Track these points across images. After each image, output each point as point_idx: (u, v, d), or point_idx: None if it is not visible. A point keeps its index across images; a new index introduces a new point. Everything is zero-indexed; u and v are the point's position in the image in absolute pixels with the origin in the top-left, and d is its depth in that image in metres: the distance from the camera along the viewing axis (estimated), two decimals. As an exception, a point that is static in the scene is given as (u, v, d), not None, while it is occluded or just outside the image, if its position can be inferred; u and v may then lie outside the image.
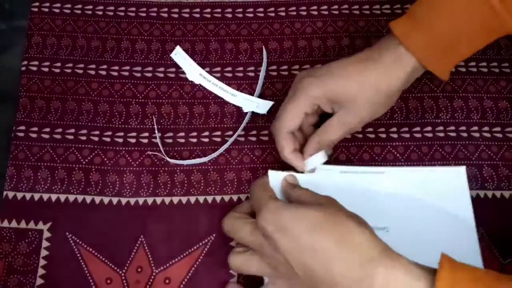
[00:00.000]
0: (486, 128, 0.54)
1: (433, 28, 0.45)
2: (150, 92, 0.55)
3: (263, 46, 0.57)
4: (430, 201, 0.48)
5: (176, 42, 0.57)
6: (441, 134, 0.54)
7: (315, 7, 0.59)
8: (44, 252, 0.48)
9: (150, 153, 0.52)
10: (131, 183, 0.51)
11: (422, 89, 0.55)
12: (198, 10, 0.58)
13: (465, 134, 0.54)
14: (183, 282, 0.48)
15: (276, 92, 0.55)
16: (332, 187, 0.50)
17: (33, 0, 0.58)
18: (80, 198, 0.50)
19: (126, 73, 0.55)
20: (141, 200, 0.50)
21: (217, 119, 0.54)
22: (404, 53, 0.45)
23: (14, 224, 0.49)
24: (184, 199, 0.51)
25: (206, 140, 0.53)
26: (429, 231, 0.48)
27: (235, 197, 0.51)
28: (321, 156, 0.48)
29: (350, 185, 0.50)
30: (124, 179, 0.51)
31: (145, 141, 0.53)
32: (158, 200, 0.51)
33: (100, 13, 0.58)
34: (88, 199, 0.50)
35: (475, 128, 0.54)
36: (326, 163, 0.49)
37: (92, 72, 0.55)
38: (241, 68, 0.56)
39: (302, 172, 0.48)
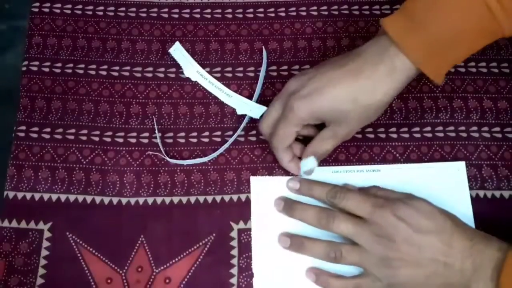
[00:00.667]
0: (485, 128, 0.54)
1: (430, 29, 0.44)
2: (151, 92, 0.55)
3: (263, 47, 0.57)
4: (429, 198, 0.48)
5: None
6: (441, 134, 0.54)
7: (315, 8, 0.59)
8: (44, 252, 0.49)
9: (151, 153, 0.52)
10: (132, 183, 0.51)
11: (422, 89, 0.56)
12: (198, 10, 0.58)
13: (464, 134, 0.54)
14: (183, 282, 0.48)
15: (276, 92, 0.55)
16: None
17: (34, 0, 0.58)
18: (80, 198, 0.50)
19: (127, 73, 0.55)
20: (141, 200, 0.51)
21: (217, 119, 0.54)
22: (399, 64, 0.44)
23: (14, 224, 0.49)
24: (184, 199, 0.51)
25: (206, 140, 0.53)
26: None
27: (235, 197, 0.51)
28: (312, 159, 0.49)
29: (346, 185, 0.51)
30: (124, 179, 0.51)
31: (146, 141, 0.53)
32: (159, 200, 0.51)
33: (101, 13, 0.58)
34: (89, 199, 0.50)
35: (475, 128, 0.54)
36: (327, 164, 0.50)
37: (93, 72, 0.55)
38: (241, 68, 0.56)
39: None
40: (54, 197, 0.50)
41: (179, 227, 0.50)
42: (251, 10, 0.59)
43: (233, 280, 0.48)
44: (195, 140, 0.53)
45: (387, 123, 0.54)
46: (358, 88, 0.45)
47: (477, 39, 0.45)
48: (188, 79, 0.55)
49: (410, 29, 0.44)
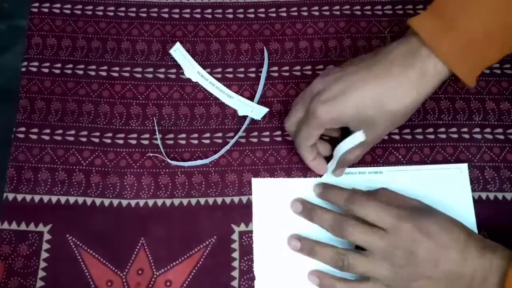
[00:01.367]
0: (488, 130, 0.54)
1: (464, 29, 0.41)
2: (151, 93, 0.54)
3: (264, 47, 0.57)
4: (431, 200, 0.48)
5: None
6: (443, 136, 0.53)
7: (316, 8, 0.59)
8: (44, 254, 0.48)
9: (151, 154, 0.52)
10: (132, 185, 0.51)
11: (424, 90, 0.55)
12: (199, 10, 0.58)
13: (467, 136, 0.53)
14: (184, 285, 0.48)
15: (277, 93, 0.55)
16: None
17: (33, 0, 0.58)
18: (80, 200, 0.50)
19: (127, 74, 0.55)
20: (141, 202, 0.50)
21: (218, 121, 0.54)
22: (431, 67, 0.42)
23: (14, 226, 0.49)
24: (185, 201, 0.51)
25: (207, 141, 0.53)
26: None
27: (236, 199, 0.51)
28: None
29: (347, 187, 0.50)
30: (124, 180, 0.51)
31: (146, 142, 0.52)
32: (159, 202, 0.50)
33: (101, 13, 0.57)
34: (89, 201, 0.50)
35: (477, 129, 0.54)
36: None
37: (93, 73, 0.55)
38: (242, 69, 0.56)
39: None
40: (54, 199, 0.50)
41: (180, 229, 0.49)
42: (252, 10, 0.58)
43: (234, 283, 0.48)
44: (196, 142, 0.53)
45: (389, 124, 0.54)
46: (385, 92, 0.43)
47: (510, 38, 0.43)
48: (188, 80, 0.55)
49: (442, 29, 0.42)
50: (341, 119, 0.45)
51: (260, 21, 0.58)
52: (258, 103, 0.54)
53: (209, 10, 0.58)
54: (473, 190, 0.51)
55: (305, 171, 0.52)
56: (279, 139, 0.53)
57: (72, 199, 0.50)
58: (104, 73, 0.55)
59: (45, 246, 0.48)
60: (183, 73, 0.55)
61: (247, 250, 0.49)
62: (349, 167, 0.51)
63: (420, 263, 0.43)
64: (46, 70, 0.55)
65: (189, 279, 0.48)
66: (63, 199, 0.50)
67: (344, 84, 0.45)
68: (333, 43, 0.57)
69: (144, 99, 0.54)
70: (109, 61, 0.55)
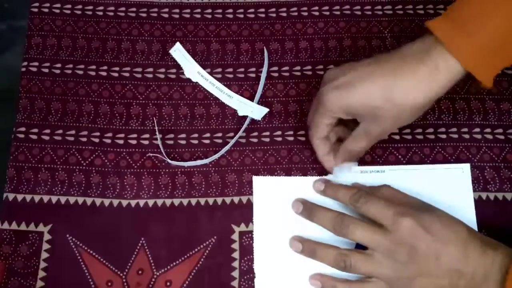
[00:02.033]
0: (488, 130, 0.54)
1: (481, 30, 0.41)
2: (151, 93, 0.54)
3: (264, 47, 0.57)
4: (432, 199, 0.48)
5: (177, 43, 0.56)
6: (443, 136, 0.53)
7: (316, 8, 0.59)
8: (44, 255, 0.48)
9: (151, 154, 0.52)
10: (132, 185, 0.51)
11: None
12: (199, 10, 0.58)
13: (467, 136, 0.53)
14: (184, 285, 0.48)
15: (278, 93, 0.55)
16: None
17: (33, 0, 0.58)
18: (80, 200, 0.50)
19: (127, 74, 0.55)
20: (141, 202, 0.50)
21: (218, 121, 0.54)
22: (442, 64, 0.42)
23: (14, 226, 0.49)
24: (185, 201, 0.51)
25: (207, 141, 0.53)
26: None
27: (236, 199, 0.51)
28: (347, 168, 0.49)
29: (355, 184, 0.50)
30: (124, 181, 0.51)
31: (146, 142, 0.52)
32: (159, 202, 0.50)
33: (101, 13, 0.57)
34: (89, 201, 0.50)
35: (477, 129, 0.54)
36: None
37: (93, 73, 0.55)
38: (242, 69, 0.56)
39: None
40: (54, 199, 0.50)
41: (180, 229, 0.49)
42: (252, 10, 0.58)
43: (235, 283, 0.48)
44: (196, 142, 0.53)
45: (389, 124, 0.54)
46: (394, 86, 0.43)
47: None
48: (188, 80, 0.55)
49: (458, 30, 0.41)
50: (349, 108, 0.45)
51: (260, 21, 0.58)
52: (258, 103, 0.54)
53: (209, 10, 0.58)
54: (473, 190, 0.51)
55: (305, 171, 0.52)
56: (279, 139, 0.53)
57: (72, 199, 0.50)
58: (104, 73, 0.55)
59: (45, 246, 0.49)
60: (183, 73, 0.55)
61: (247, 250, 0.49)
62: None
63: (421, 259, 0.43)
64: (46, 70, 0.55)
65: (189, 279, 0.48)
66: (63, 199, 0.50)
67: (355, 74, 0.45)
68: (333, 43, 0.57)
69: (144, 99, 0.54)
70: (109, 61, 0.55)
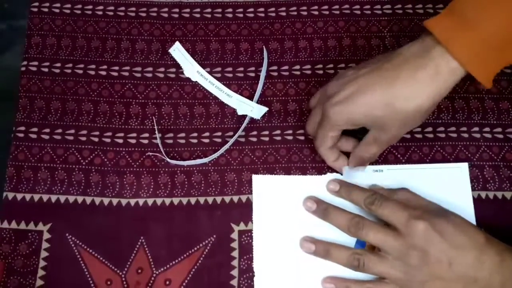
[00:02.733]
0: (487, 129, 0.54)
1: (482, 28, 0.40)
2: (150, 92, 0.54)
3: (264, 46, 0.57)
4: (431, 199, 0.48)
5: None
6: (442, 135, 0.53)
7: (316, 7, 0.59)
8: (44, 253, 0.48)
9: (151, 153, 0.52)
10: (131, 184, 0.51)
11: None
12: (198, 10, 0.58)
13: (466, 135, 0.53)
14: (183, 284, 0.48)
15: (277, 93, 0.55)
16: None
17: (33, 0, 0.58)
18: (80, 199, 0.50)
19: (126, 73, 0.55)
20: (141, 201, 0.50)
21: (217, 120, 0.54)
22: (444, 66, 0.41)
23: (14, 225, 0.49)
24: (184, 200, 0.51)
25: (207, 140, 0.53)
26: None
27: (235, 198, 0.51)
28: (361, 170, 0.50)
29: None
30: (124, 180, 0.51)
31: (146, 141, 0.53)
32: (159, 201, 0.50)
33: (100, 13, 0.57)
34: (88, 200, 0.50)
35: (476, 128, 0.54)
36: None
37: (92, 73, 0.55)
38: (241, 69, 0.56)
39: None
40: (54, 198, 0.50)
41: (179, 228, 0.49)
42: (252, 9, 0.58)
43: (234, 282, 0.48)
44: (195, 141, 0.53)
45: (388, 123, 0.54)
46: (394, 93, 0.43)
47: None
48: (188, 79, 0.55)
49: (458, 29, 0.41)
50: (353, 120, 0.46)
51: (259, 20, 0.58)
52: (257, 102, 0.54)
53: (209, 10, 0.58)
54: (472, 189, 0.51)
55: (304, 170, 0.52)
56: (278, 138, 0.53)
57: (71, 198, 0.50)
58: (103, 73, 0.55)
59: (45, 245, 0.49)
60: (182, 73, 0.55)
61: (246, 249, 0.49)
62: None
63: (433, 263, 0.43)
64: (45, 70, 0.55)
65: (188, 278, 0.48)
66: (62, 198, 0.50)
67: (355, 86, 0.45)
68: (333, 42, 0.57)
69: (144, 98, 0.54)
70: (108, 61, 0.55)
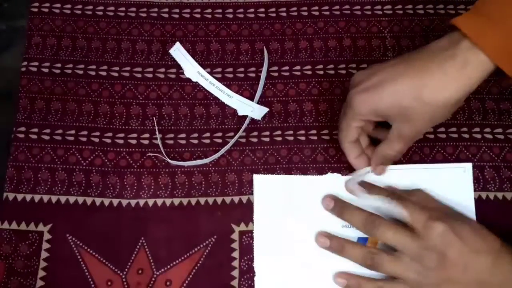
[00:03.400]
0: (487, 130, 0.54)
1: (509, 24, 0.40)
2: (151, 93, 0.54)
3: (264, 47, 0.57)
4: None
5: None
6: (443, 136, 0.53)
7: (316, 8, 0.59)
8: (44, 254, 0.48)
9: (151, 154, 0.52)
10: (132, 185, 0.51)
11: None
12: (199, 10, 0.58)
13: (466, 136, 0.53)
14: (184, 284, 0.48)
15: (277, 93, 0.55)
16: (331, 190, 0.51)
17: (33, 0, 0.58)
18: (80, 199, 0.50)
19: (127, 74, 0.55)
20: (141, 202, 0.50)
21: (218, 120, 0.54)
22: (473, 58, 0.41)
23: (14, 225, 0.49)
24: (185, 201, 0.51)
25: (207, 141, 0.53)
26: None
27: (236, 199, 0.51)
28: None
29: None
30: (124, 180, 0.51)
31: (146, 142, 0.52)
32: (159, 201, 0.50)
33: (100, 13, 0.57)
34: (89, 200, 0.50)
35: (477, 129, 0.54)
36: None
37: (93, 73, 0.55)
38: (242, 69, 0.56)
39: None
40: (54, 198, 0.50)
41: (180, 229, 0.49)
42: (252, 10, 0.58)
43: (234, 283, 0.48)
44: (196, 141, 0.53)
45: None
46: (422, 84, 0.42)
47: None
48: (188, 79, 0.55)
49: (486, 25, 0.41)
50: (378, 109, 0.44)
51: (260, 21, 0.58)
52: (258, 103, 0.54)
53: (209, 10, 0.58)
54: (473, 190, 0.51)
55: (305, 171, 0.52)
56: (279, 138, 0.53)
57: (72, 199, 0.50)
58: (104, 73, 0.55)
59: (45, 245, 0.49)
60: (183, 73, 0.55)
61: (247, 250, 0.49)
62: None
63: (450, 266, 0.43)
64: (46, 70, 0.55)
65: (189, 279, 0.48)
66: (63, 198, 0.50)
67: (382, 75, 0.44)
68: (333, 43, 0.57)
69: (144, 99, 0.54)
70: (109, 61, 0.55)
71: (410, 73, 0.43)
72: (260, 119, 0.53)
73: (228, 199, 0.51)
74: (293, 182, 0.51)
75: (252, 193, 0.51)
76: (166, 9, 0.58)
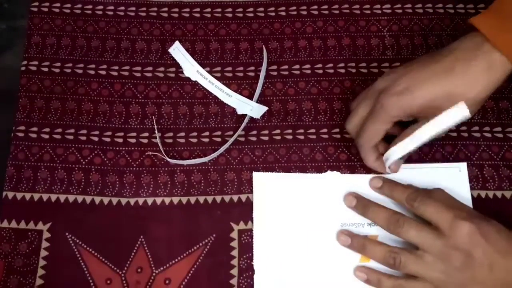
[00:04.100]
0: (487, 128, 0.54)
1: None
2: (150, 92, 0.55)
3: (264, 46, 0.57)
4: None
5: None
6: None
7: (315, 7, 0.59)
8: (43, 253, 0.48)
9: (150, 153, 0.52)
10: (131, 183, 0.51)
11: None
12: (198, 9, 0.58)
13: (465, 134, 0.53)
14: (183, 283, 0.48)
15: (277, 92, 0.55)
16: (330, 189, 0.51)
17: (33, 0, 0.58)
18: (80, 198, 0.50)
19: (126, 73, 0.55)
20: (141, 201, 0.50)
21: (217, 119, 0.54)
22: (497, 59, 0.42)
23: (13, 224, 0.49)
24: (184, 199, 0.51)
25: (206, 140, 0.53)
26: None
27: (235, 198, 0.51)
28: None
29: (348, 185, 0.51)
30: (124, 179, 0.51)
31: (145, 141, 0.53)
32: (158, 200, 0.50)
33: (100, 12, 0.58)
34: (88, 199, 0.50)
35: (476, 128, 0.54)
36: None
37: (92, 72, 0.55)
38: (241, 68, 0.56)
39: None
40: (54, 197, 0.50)
41: (179, 227, 0.49)
42: (251, 9, 0.58)
43: (233, 281, 0.48)
44: (195, 140, 0.53)
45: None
46: (451, 84, 0.43)
47: None
48: (188, 78, 0.55)
49: (503, 26, 0.42)
50: (410, 110, 0.45)
51: (259, 20, 0.58)
52: (257, 101, 0.54)
53: (208, 9, 0.58)
54: (472, 188, 0.51)
55: (304, 170, 0.52)
56: (278, 137, 0.53)
57: (71, 198, 0.50)
58: (103, 72, 0.55)
59: (45, 244, 0.49)
60: (182, 72, 0.55)
61: (246, 249, 0.49)
62: (351, 166, 0.52)
63: (476, 267, 0.43)
64: (45, 69, 0.55)
65: (188, 277, 0.48)
66: (62, 197, 0.50)
67: (411, 79, 0.45)
68: (332, 42, 0.57)
69: (143, 98, 0.54)
70: (108, 60, 0.56)
71: (439, 75, 0.44)
72: (259, 118, 0.53)
73: (227, 198, 0.51)
74: (292, 180, 0.51)
75: (251, 192, 0.51)
76: (166, 9, 0.58)
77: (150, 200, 0.50)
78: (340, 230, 0.49)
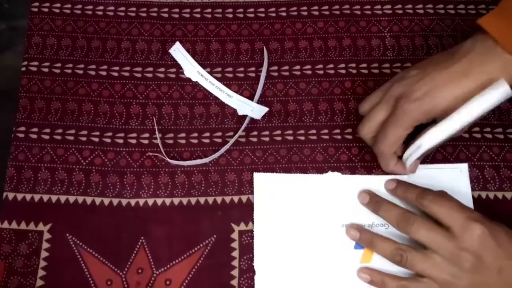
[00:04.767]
0: (487, 129, 0.54)
1: None
2: (151, 92, 0.54)
3: (264, 47, 0.57)
4: None
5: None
6: (443, 135, 0.53)
7: (316, 7, 0.59)
8: (44, 254, 0.48)
9: (151, 154, 0.52)
10: (132, 184, 0.51)
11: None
12: (198, 10, 0.58)
13: (466, 135, 0.53)
14: (184, 284, 0.48)
15: (277, 93, 0.55)
16: (331, 189, 0.51)
17: (33, 0, 0.58)
18: (80, 199, 0.50)
19: (127, 74, 0.55)
20: (141, 201, 0.50)
21: (218, 120, 0.54)
22: (510, 59, 0.42)
23: (14, 225, 0.49)
24: (184, 200, 0.51)
25: (207, 141, 0.53)
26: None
27: (236, 198, 0.51)
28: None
29: (348, 187, 0.51)
30: (124, 180, 0.51)
31: (146, 142, 0.53)
32: (159, 201, 0.50)
33: (100, 13, 0.57)
34: (89, 200, 0.50)
35: (477, 129, 0.54)
36: None
37: (93, 73, 0.55)
38: (242, 69, 0.56)
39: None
40: (54, 198, 0.50)
41: (180, 228, 0.49)
42: (252, 9, 0.58)
43: (234, 282, 0.48)
44: (195, 141, 0.53)
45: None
46: (470, 87, 0.43)
47: None
48: (188, 79, 0.55)
49: (510, 26, 0.42)
50: (433, 115, 0.45)
51: (259, 20, 0.58)
52: (257, 102, 0.54)
53: (209, 10, 0.58)
54: (473, 189, 0.51)
55: (305, 170, 0.52)
56: (278, 138, 0.53)
57: (72, 199, 0.50)
58: (104, 73, 0.55)
59: (45, 245, 0.49)
60: (182, 73, 0.55)
61: (247, 249, 0.49)
62: (351, 166, 0.51)
63: (485, 269, 0.43)
64: (46, 70, 0.55)
65: (188, 278, 0.48)
66: (63, 198, 0.50)
67: (430, 84, 0.45)
68: (333, 42, 0.57)
69: (144, 98, 0.54)
70: (109, 61, 0.55)
71: (458, 78, 0.44)
72: (260, 118, 0.53)
73: (228, 199, 0.51)
74: (293, 181, 0.51)
75: (252, 193, 0.51)
76: (166, 9, 0.58)
77: (150, 201, 0.50)
78: (349, 224, 0.49)
